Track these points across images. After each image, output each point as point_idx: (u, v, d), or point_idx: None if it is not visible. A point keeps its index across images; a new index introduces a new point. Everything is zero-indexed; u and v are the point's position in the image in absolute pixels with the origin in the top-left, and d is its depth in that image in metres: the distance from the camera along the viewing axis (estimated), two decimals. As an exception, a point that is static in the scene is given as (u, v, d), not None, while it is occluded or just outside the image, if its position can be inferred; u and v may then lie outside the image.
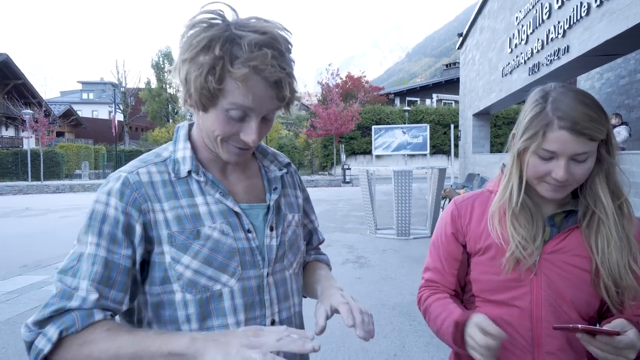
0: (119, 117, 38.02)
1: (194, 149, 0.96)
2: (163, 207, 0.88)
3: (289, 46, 0.84)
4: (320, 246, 1.29)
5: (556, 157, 0.95)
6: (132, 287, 0.88)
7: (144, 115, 44.11)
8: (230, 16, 0.82)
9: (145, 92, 43.09)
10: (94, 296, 0.81)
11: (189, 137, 0.98)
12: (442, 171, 7.96)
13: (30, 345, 0.78)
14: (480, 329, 0.94)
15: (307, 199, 1.21)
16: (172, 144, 0.98)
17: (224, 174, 0.98)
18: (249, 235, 0.94)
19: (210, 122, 0.86)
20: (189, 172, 0.92)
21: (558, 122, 0.93)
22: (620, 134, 7.87)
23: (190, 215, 0.90)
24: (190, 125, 1.01)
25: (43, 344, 0.77)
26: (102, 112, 52.18)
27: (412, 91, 37.32)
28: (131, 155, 32.01)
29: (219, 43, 0.77)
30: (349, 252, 6.98)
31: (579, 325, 0.88)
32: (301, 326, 1.06)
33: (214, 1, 0.81)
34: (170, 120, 43.75)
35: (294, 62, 0.85)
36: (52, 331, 0.78)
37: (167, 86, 44.23)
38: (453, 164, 13.38)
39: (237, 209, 0.94)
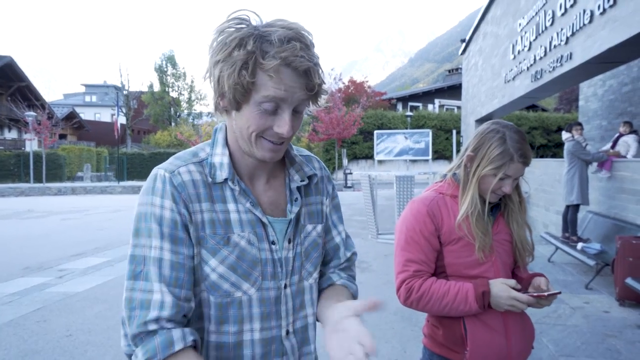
0: (122, 120, 38.09)
1: (229, 154, 0.97)
2: (202, 208, 0.91)
3: (313, 42, 0.87)
4: None
5: (508, 179, 1.44)
6: None
7: (146, 119, 44.17)
8: (254, 21, 0.86)
9: (147, 95, 43.19)
10: (169, 299, 0.85)
11: (226, 142, 0.99)
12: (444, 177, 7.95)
13: (129, 357, 0.85)
14: (507, 284, 1.39)
15: (336, 207, 1.16)
16: (208, 145, 0.99)
17: (252, 182, 0.99)
18: (273, 247, 0.96)
19: (244, 119, 0.88)
20: (225, 179, 0.94)
21: (517, 157, 1.41)
22: (630, 146, 7.48)
23: (222, 220, 0.92)
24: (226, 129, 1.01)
25: None
26: (104, 115, 52.28)
27: (414, 96, 37.31)
28: (133, 158, 32.09)
29: (251, 39, 0.81)
30: (350, 256, 6.97)
31: (545, 294, 1.37)
32: (313, 337, 1.05)
33: (238, 9, 0.86)
34: (173, 124, 43.80)
35: (319, 57, 0.88)
36: (141, 355, 0.82)
37: (170, 89, 44.34)
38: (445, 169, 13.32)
39: (265, 220, 0.96)
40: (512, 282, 1.41)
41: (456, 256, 1.47)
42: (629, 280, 4.23)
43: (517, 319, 1.49)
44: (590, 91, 13.74)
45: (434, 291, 1.44)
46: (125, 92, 39.72)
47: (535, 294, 1.38)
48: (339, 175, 27.14)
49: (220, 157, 0.95)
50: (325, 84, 0.91)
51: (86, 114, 49.33)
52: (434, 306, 1.45)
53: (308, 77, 0.85)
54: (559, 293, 1.41)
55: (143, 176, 30.28)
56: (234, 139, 0.95)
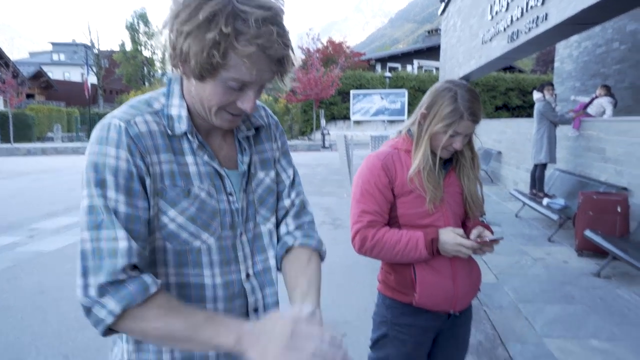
0: (92, 79, 36.68)
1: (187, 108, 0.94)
2: (160, 159, 0.89)
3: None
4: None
5: (458, 136, 1.48)
6: None
7: (119, 78, 42.70)
8: None
9: (119, 55, 41.58)
10: (134, 244, 0.82)
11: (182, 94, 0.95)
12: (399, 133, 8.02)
13: (88, 310, 0.80)
14: (455, 232, 1.48)
15: (284, 152, 1.14)
16: (163, 95, 0.96)
17: (208, 138, 0.98)
18: (230, 198, 0.97)
19: (207, 92, 0.86)
20: (184, 133, 0.92)
21: (467, 115, 1.45)
22: (606, 109, 7.55)
23: (182, 173, 0.91)
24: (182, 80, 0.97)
25: (104, 315, 0.79)
26: (74, 75, 50.21)
27: (393, 57, 36.89)
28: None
29: (223, 17, 0.76)
30: (325, 214, 7.08)
31: (487, 239, 1.48)
32: (274, 279, 1.07)
33: None
34: (147, 84, 42.48)
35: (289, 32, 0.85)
36: (113, 305, 0.79)
37: (143, 48, 42.72)
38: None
39: (222, 172, 0.96)
40: (460, 230, 1.49)
41: (408, 207, 1.54)
42: (588, 232, 4.44)
43: (465, 264, 1.58)
44: (565, 53, 13.85)
45: (386, 240, 1.52)
46: (95, 51, 38.09)
47: (478, 240, 1.47)
48: (317, 135, 27.05)
49: (177, 109, 0.93)
50: (295, 65, 0.89)
51: (54, 74, 47.30)
52: (387, 254, 1.54)
53: (281, 64, 0.84)
54: (501, 239, 1.51)
55: (117, 138, 29.38)
56: (191, 97, 0.93)
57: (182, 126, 0.92)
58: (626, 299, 3.71)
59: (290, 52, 0.84)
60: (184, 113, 0.92)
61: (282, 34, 0.81)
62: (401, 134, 1.64)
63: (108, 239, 0.81)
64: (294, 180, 1.14)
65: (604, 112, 7.53)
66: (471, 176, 1.61)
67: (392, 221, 1.58)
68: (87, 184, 0.84)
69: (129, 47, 42.26)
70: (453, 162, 1.62)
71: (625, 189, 5.14)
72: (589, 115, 7.33)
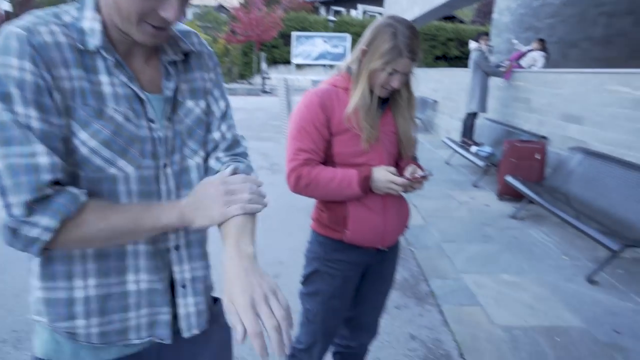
0: (5, 6, 32.76)
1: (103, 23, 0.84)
2: (70, 74, 0.80)
3: None
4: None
5: (397, 74, 1.47)
6: None
7: (38, 5, 38.49)
8: None
9: (36, -21, 37.20)
10: (57, 160, 0.76)
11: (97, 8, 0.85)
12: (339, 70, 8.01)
13: (14, 231, 0.74)
14: (387, 170, 1.50)
15: (217, 83, 1.07)
16: (75, 8, 0.85)
17: (128, 58, 0.89)
18: (152, 125, 0.89)
19: None
20: (97, 49, 0.82)
21: (406, 53, 1.44)
22: (537, 61, 7.86)
23: (94, 92, 0.82)
24: None
25: (38, 233, 0.74)
26: (-17, -1, 44.62)
27: (338, 1, 35.98)
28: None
29: None
30: (263, 159, 7.04)
31: (416, 175, 1.51)
32: None
33: None
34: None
35: None
36: (47, 220, 0.74)
37: (64, -27, 38.48)
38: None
39: (143, 95, 0.87)
40: (392, 169, 1.52)
41: (344, 146, 1.54)
42: (508, 178, 4.76)
43: (395, 202, 1.63)
44: (504, 4, 14.12)
45: (321, 178, 1.51)
46: (6, -27, 33.79)
47: (408, 177, 1.51)
48: (257, 80, 26.31)
49: (90, 23, 0.82)
50: None
51: (-41, -3, 41.70)
52: (320, 191, 1.55)
53: None
54: (430, 175, 1.56)
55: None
56: (107, 9, 0.83)
57: (94, 40, 0.82)
58: (535, 237, 4.08)
59: None
60: (98, 27, 0.82)
61: None
62: (341, 72, 1.61)
63: (24, 155, 0.73)
64: (225, 113, 1.07)
65: (534, 65, 7.88)
66: (406, 116, 1.61)
67: (327, 160, 1.59)
68: None
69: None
70: (389, 101, 1.62)
71: (544, 137, 5.51)
72: (520, 66, 7.65)
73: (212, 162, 1.03)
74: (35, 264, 0.87)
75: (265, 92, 21.06)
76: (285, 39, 27.16)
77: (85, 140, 0.82)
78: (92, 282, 0.88)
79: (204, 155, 1.02)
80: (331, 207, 1.61)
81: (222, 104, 1.06)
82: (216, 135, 1.04)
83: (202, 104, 1.01)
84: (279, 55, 28.05)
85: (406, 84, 1.59)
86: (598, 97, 4.63)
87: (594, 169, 4.23)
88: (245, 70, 28.09)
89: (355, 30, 28.60)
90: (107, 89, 0.84)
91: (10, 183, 0.74)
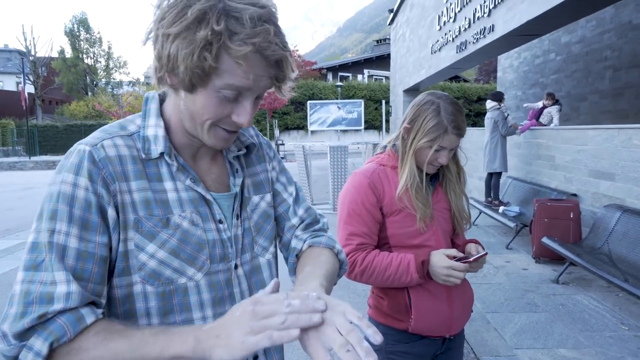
0: (29, 88, 34.60)
1: (166, 128, 0.84)
2: (130, 187, 0.78)
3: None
4: None
5: (443, 150, 1.44)
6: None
7: (59, 87, 40.45)
8: None
9: (59, 62, 39.49)
10: (76, 288, 0.70)
11: (161, 113, 0.86)
12: (376, 146, 8.11)
13: (14, 359, 0.68)
14: (446, 255, 1.41)
15: (282, 170, 1.06)
16: (139, 117, 0.86)
17: (194, 160, 0.88)
18: (220, 226, 0.86)
19: (198, 104, 0.76)
20: (161, 154, 0.81)
21: (451, 129, 1.40)
22: (553, 117, 7.93)
23: (159, 200, 0.80)
24: (162, 99, 0.88)
25: (31, 359, 0.67)
26: (8, 83, 47.09)
27: (344, 66, 37.48)
28: (45, 130, 29.49)
29: (215, 15, 0.68)
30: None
31: (471, 259, 1.40)
32: None
33: None
34: (89, 93, 40.62)
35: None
36: (40, 344, 0.67)
37: (84, 56, 40.88)
38: (385, 139, 13.67)
39: (208, 196, 0.85)
40: (452, 251, 1.43)
41: (398, 227, 1.48)
42: (545, 240, 4.60)
43: (459, 285, 1.53)
44: (507, 63, 14.54)
45: (376, 264, 1.44)
46: (31, 58, 35.97)
47: (464, 261, 1.41)
48: (270, 146, 26.82)
49: (154, 130, 0.83)
50: (294, 72, 0.81)
51: (-14, 82, 44.23)
52: (377, 278, 1.46)
53: (279, 67, 0.75)
54: (486, 254, 1.46)
55: (58, 150, 27.94)
56: (176, 114, 0.84)
57: (158, 147, 0.82)
58: (585, 304, 3.85)
59: (289, 54, 0.76)
60: (161, 133, 0.82)
61: (279, 33, 0.74)
62: (386, 150, 1.58)
63: (44, 283, 0.69)
64: (297, 196, 1.06)
65: (551, 120, 7.95)
66: (457, 191, 1.56)
67: (382, 242, 1.51)
68: (38, 217, 0.74)
69: (68, 54, 40.28)
70: (439, 177, 1.57)
71: (575, 195, 5.40)
72: (541, 124, 7.70)
73: (293, 242, 1.01)
74: None
75: (281, 158, 21.43)
76: (296, 105, 28.09)
77: (153, 253, 0.79)
78: None
79: (273, 251, 0.99)
80: (391, 294, 1.52)
81: (291, 189, 1.06)
82: (295, 220, 1.02)
83: (268, 197, 0.99)
84: (291, 122, 28.88)
85: (454, 158, 1.55)
86: (628, 153, 4.56)
87: (635, 226, 4.07)
88: (257, 137, 28.77)
89: (363, 94, 29.58)
90: (171, 195, 0.82)
91: (19, 311, 0.68)
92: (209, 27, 0.68)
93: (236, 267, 0.88)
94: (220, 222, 0.87)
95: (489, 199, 6.87)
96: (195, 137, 0.83)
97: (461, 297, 1.54)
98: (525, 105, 9.54)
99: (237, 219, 0.90)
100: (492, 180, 6.82)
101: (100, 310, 0.73)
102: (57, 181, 0.75)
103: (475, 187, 8.89)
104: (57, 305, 0.69)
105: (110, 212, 0.76)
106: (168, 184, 0.82)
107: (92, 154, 0.76)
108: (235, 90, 0.75)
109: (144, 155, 0.81)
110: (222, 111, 0.77)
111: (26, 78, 29.50)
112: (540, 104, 8.42)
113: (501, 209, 6.16)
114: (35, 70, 35.87)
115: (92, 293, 0.73)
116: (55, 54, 40.36)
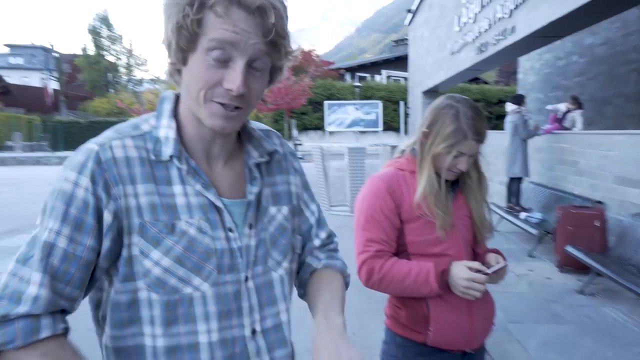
0: (54, 85, 35.33)
1: (179, 128, 0.83)
2: (137, 191, 0.77)
3: None
4: None
5: (463, 156, 1.38)
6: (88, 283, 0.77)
7: (82, 84, 41.27)
8: None
9: (82, 59, 40.29)
10: (45, 294, 0.70)
11: (175, 114, 0.85)
12: (394, 148, 8.03)
13: None
14: (467, 266, 1.35)
15: (305, 185, 1.04)
16: (153, 116, 0.85)
17: (208, 162, 0.86)
18: (230, 234, 0.83)
19: (191, 74, 0.76)
20: (171, 157, 0.80)
21: (471, 135, 1.35)
22: (576, 121, 7.77)
23: (166, 205, 0.78)
24: (177, 100, 0.88)
25: None
26: (33, 79, 48.07)
27: (362, 67, 37.30)
28: (69, 126, 30.04)
29: None
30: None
31: (489, 271, 1.36)
32: (287, 340, 0.92)
33: None
34: (111, 90, 41.28)
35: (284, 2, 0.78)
36: None
37: (106, 53, 41.57)
38: (403, 141, 13.57)
39: (219, 203, 0.82)
40: (476, 264, 1.37)
41: (417, 234, 1.44)
42: (569, 248, 4.48)
43: (480, 297, 1.48)
44: (528, 65, 14.27)
45: (395, 273, 1.40)
46: (56, 55, 36.72)
47: (488, 271, 1.36)
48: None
49: (166, 131, 0.81)
50: (286, 31, 0.78)
51: (12, 78, 45.23)
52: (395, 287, 1.43)
53: (262, 16, 0.73)
54: (506, 266, 1.43)
55: (80, 146, 28.36)
56: (186, 108, 0.83)
57: (168, 150, 0.80)
58: (613, 317, 3.73)
59: (273, 4, 0.73)
60: (172, 134, 0.81)
61: None
62: (405, 154, 1.53)
63: (22, 279, 0.71)
64: (319, 217, 1.05)
65: (574, 124, 7.77)
66: (479, 198, 1.51)
67: (400, 249, 1.47)
68: (42, 211, 0.76)
69: (91, 51, 41.00)
70: (460, 183, 1.52)
71: (600, 202, 5.25)
72: (565, 128, 7.54)
73: (308, 259, 1.03)
74: None
75: (299, 158, 21.45)
76: (314, 105, 28.05)
77: (158, 260, 0.77)
78: None
79: (287, 267, 0.94)
80: (409, 304, 1.46)
81: (313, 207, 1.05)
82: (316, 242, 1.04)
83: (285, 210, 0.95)
84: (309, 122, 28.86)
85: (475, 164, 1.49)
86: (658, 161, 4.42)
87: (665, 237, 3.94)
88: (275, 137, 28.84)
89: (381, 95, 29.38)
90: (180, 200, 0.80)
91: None
92: None
93: (246, 279, 0.85)
94: (231, 230, 0.83)
95: (510, 204, 6.74)
96: (201, 123, 0.80)
97: (482, 310, 1.48)
98: (547, 107, 9.35)
99: (250, 229, 0.86)
100: (514, 185, 6.70)
101: (62, 326, 0.73)
102: (61, 177, 0.75)
103: (495, 191, 8.74)
104: (22, 308, 0.69)
105: (106, 216, 0.75)
106: (177, 188, 0.80)
107: (98, 154, 0.76)
108: (222, 48, 0.73)
109: (154, 157, 0.80)
110: (213, 76, 0.74)
111: (51, 74, 30.12)
112: (563, 107, 8.23)
113: (523, 215, 6.03)
114: (59, 67, 36.62)
115: (67, 297, 0.74)
116: (78, 51, 41.15)
